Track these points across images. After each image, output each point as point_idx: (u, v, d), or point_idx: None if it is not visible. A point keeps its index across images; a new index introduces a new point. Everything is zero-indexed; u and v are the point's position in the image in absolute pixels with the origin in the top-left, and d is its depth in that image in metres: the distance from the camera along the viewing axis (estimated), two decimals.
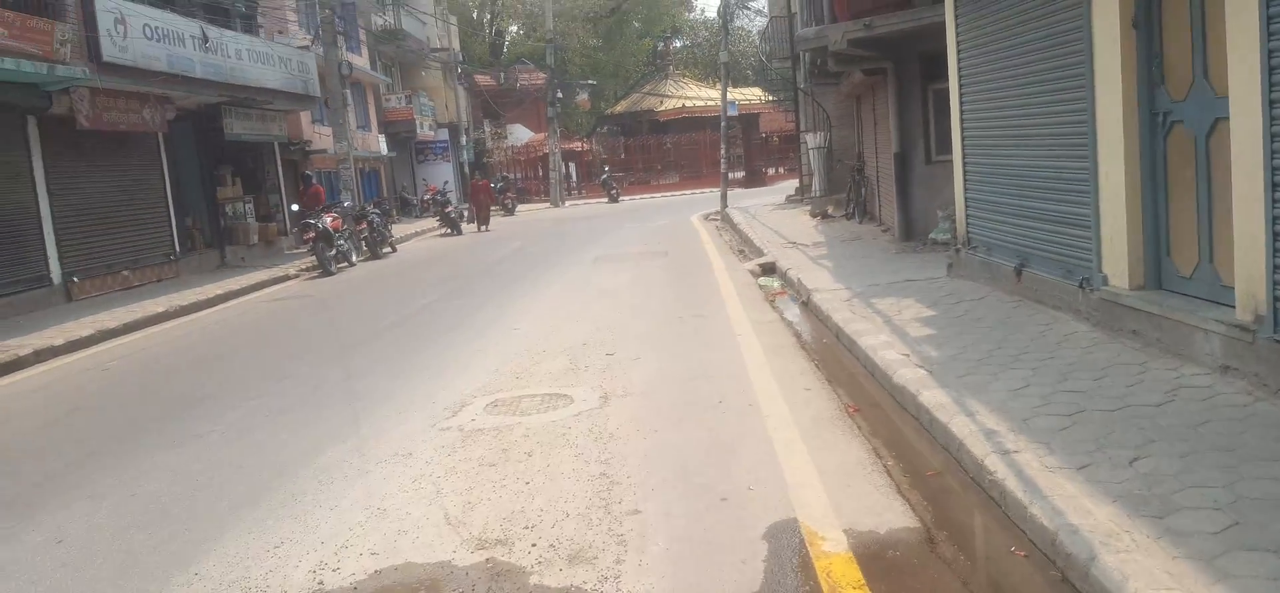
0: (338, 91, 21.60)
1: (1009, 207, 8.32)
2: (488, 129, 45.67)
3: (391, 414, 6.54)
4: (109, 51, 14.15)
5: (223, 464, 5.70)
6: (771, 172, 47.48)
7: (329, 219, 17.69)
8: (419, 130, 34.47)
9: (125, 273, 15.82)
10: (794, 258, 13.05)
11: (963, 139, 9.37)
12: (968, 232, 9.48)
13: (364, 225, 19.28)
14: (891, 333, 7.52)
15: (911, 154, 13.09)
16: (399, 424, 6.24)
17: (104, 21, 14.03)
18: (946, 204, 12.69)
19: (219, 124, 18.78)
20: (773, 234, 16.96)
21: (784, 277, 11.91)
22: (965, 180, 9.39)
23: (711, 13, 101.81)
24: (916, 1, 11.81)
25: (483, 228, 25.92)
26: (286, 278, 17.42)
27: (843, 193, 19.64)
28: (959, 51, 9.25)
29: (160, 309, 13.18)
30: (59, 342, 11.00)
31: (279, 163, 22.36)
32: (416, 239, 25.47)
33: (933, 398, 5.46)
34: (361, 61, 30.89)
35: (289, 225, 21.57)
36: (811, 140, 19.90)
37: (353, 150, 22.13)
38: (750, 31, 60.32)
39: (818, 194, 19.72)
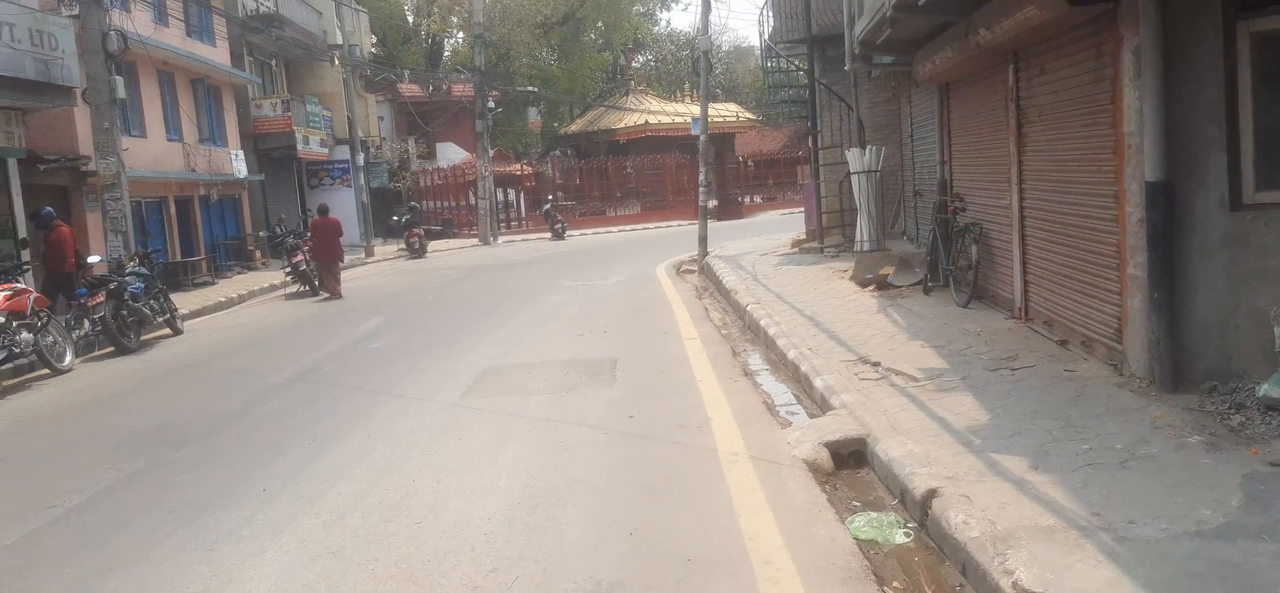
0: (102, 79, 13.64)
1: None
2: (411, 147, 37.67)
3: None
4: None
5: None
6: (747, 202, 40.13)
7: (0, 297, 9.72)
8: (302, 146, 26.38)
9: None
10: (919, 434, 5.39)
11: None
12: None
13: (102, 297, 11.21)
14: None
15: (1190, 188, 5.58)
16: None
17: None
18: None
19: None
20: (809, 325, 9.31)
21: (937, 528, 4.24)
22: None
23: (678, 25, 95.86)
24: None
25: (324, 295, 16.43)
26: None
27: (902, 243, 12.08)
28: None
29: None
30: None
31: (16, 191, 14.26)
32: (257, 302, 17.42)
33: None
34: (217, 55, 22.89)
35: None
36: (855, 160, 12.24)
37: (126, 171, 14.11)
38: (720, 45, 53.33)
39: (865, 246, 12.09)
